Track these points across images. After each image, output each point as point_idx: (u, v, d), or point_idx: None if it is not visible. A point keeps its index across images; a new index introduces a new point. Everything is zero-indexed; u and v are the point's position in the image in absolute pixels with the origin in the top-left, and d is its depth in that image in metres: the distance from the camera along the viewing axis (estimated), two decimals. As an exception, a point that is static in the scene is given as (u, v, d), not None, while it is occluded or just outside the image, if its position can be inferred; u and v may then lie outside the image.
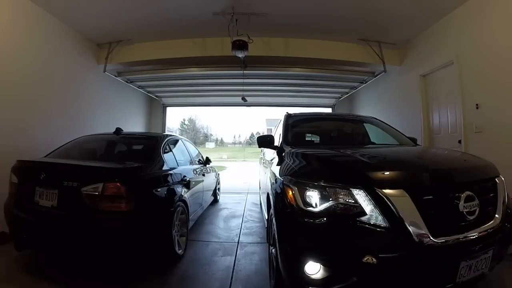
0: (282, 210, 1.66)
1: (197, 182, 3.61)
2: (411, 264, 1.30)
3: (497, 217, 1.53)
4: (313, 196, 1.49)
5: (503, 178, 1.78)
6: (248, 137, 57.83)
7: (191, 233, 3.23)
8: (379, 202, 1.36)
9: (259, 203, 4.86)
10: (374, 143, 2.88)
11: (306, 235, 1.46)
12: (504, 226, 1.54)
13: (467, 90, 3.52)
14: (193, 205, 3.23)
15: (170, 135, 3.55)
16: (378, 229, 1.34)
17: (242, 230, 3.66)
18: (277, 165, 2.17)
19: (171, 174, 2.72)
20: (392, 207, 1.34)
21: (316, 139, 3.28)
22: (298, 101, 8.45)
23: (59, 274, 2.24)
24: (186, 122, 52.46)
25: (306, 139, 3.11)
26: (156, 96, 7.82)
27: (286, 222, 1.62)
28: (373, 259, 1.26)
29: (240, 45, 3.94)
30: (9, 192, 2.40)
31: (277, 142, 2.69)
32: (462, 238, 1.37)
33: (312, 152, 1.99)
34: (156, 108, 8.34)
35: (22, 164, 2.38)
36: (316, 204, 1.47)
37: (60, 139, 3.16)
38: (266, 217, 2.52)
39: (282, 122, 3.01)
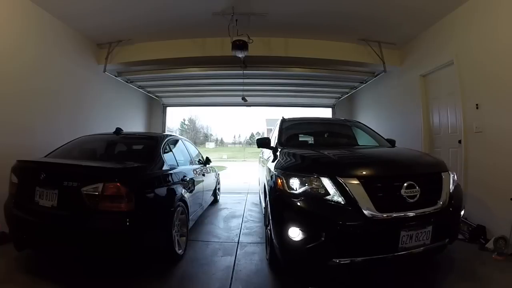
0: (274, 193, 2.21)
1: (197, 182, 3.61)
2: (362, 230, 1.80)
3: (440, 203, 1.99)
4: (294, 182, 2.01)
5: (451, 174, 2.23)
6: (248, 137, 57.86)
7: (191, 233, 3.24)
8: (339, 186, 1.89)
9: (259, 203, 4.87)
10: (356, 145, 3.40)
11: (290, 209, 1.99)
12: (446, 210, 2.00)
13: (467, 90, 3.51)
14: (193, 205, 3.23)
15: (170, 135, 3.55)
16: (338, 205, 1.86)
17: (242, 230, 3.66)
18: (272, 162, 2.64)
19: (171, 174, 2.72)
20: (348, 190, 1.86)
21: (308, 139, 3.83)
22: (298, 101, 8.44)
23: (59, 274, 2.24)
24: (186, 122, 52.51)
25: (297, 140, 3.58)
26: (156, 96, 7.81)
27: (276, 201, 2.17)
28: (335, 225, 1.80)
29: (240, 45, 3.94)
30: (9, 192, 2.40)
31: (273, 143, 3.21)
32: (402, 215, 1.85)
33: (298, 152, 2.47)
34: (156, 108, 8.34)
35: (22, 164, 2.37)
36: (296, 188, 2.00)
37: (60, 139, 3.16)
38: (264, 205, 3.08)
39: (278, 126, 3.52)
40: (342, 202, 1.86)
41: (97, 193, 1.98)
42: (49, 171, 2.21)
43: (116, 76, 5.67)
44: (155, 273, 2.33)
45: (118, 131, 3.13)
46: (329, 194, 1.90)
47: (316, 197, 1.92)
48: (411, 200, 1.89)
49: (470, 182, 3.47)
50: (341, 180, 1.89)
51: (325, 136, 3.75)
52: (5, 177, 2.42)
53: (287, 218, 1.98)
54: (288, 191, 2.02)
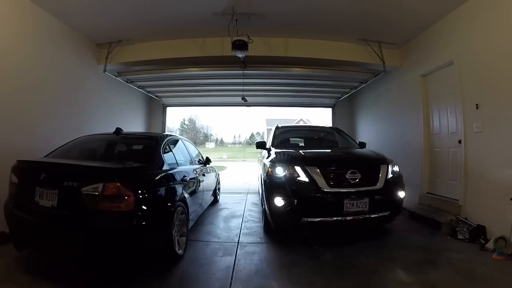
0: (266, 178, 3.34)
1: (197, 182, 3.61)
2: (319, 199, 2.88)
3: (378, 184, 3.04)
4: (279, 170, 3.12)
5: (391, 166, 3.25)
6: (248, 137, 57.75)
7: (191, 233, 3.23)
8: (306, 171, 2.99)
9: (259, 203, 4.91)
10: (333, 146, 4.46)
11: (275, 186, 3.07)
12: (382, 190, 3.03)
13: (467, 90, 3.51)
14: (193, 205, 3.23)
15: (170, 135, 3.55)
16: (305, 183, 2.96)
17: (242, 230, 3.66)
18: (266, 158, 3.79)
19: (171, 174, 2.73)
20: (310, 174, 2.96)
21: (296, 142, 5.01)
22: (298, 101, 8.43)
23: (59, 274, 2.24)
24: (186, 122, 52.35)
25: (286, 142, 4.61)
26: (156, 96, 7.80)
27: (267, 183, 3.27)
28: (302, 195, 2.90)
29: (240, 45, 3.93)
30: (9, 192, 2.39)
31: (268, 145, 4.32)
32: (345, 190, 2.92)
33: (283, 151, 3.63)
34: (156, 108, 8.33)
35: (22, 164, 2.37)
36: (280, 173, 3.10)
37: (60, 139, 3.15)
38: (261, 192, 4.07)
39: (273, 132, 4.71)
40: (307, 181, 2.96)
41: (97, 193, 1.98)
42: (49, 171, 2.21)
43: (116, 76, 5.66)
44: (155, 273, 2.33)
45: (118, 131, 3.13)
46: (299, 176, 3.01)
47: (291, 178, 3.03)
48: (353, 181, 2.96)
49: (470, 182, 3.47)
50: (307, 168, 3.01)
51: (308, 139, 4.95)
52: (5, 177, 2.42)
53: (274, 192, 3.05)
54: (275, 175, 3.13)
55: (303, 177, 2.96)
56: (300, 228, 2.99)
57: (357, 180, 2.94)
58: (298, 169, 3.01)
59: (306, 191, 2.91)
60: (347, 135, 4.86)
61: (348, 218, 2.88)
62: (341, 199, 2.86)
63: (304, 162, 3.09)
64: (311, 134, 5.15)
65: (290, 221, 2.97)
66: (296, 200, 2.86)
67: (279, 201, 2.94)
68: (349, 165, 3.04)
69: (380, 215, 3.00)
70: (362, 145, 4.31)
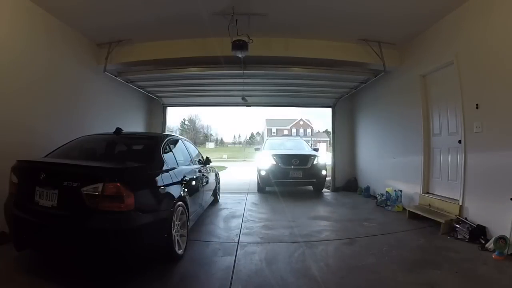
0: (258, 163, 6.83)
1: (197, 182, 3.61)
2: (279, 170, 6.29)
3: (307, 165, 6.43)
4: (264, 159, 6.63)
5: (317, 156, 6.65)
6: (248, 137, 57.74)
7: (191, 233, 3.23)
8: (275, 159, 6.42)
9: (258, 202, 5.01)
10: (300, 149, 7.64)
11: (262, 166, 6.52)
12: (310, 168, 6.42)
13: (467, 90, 3.51)
14: (193, 205, 3.23)
15: (170, 135, 3.55)
16: (275, 164, 6.37)
17: (242, 230, 3.66)
18: (260, 155, 7.14)
19: (171, 174, 2.72)
20: (277, 160, 6.40)
21: (280, 146, 7.93)
22: (298, 101, 8.41)
23: (59, 274, 2.24)
24: (186, 122, 52.38)
25: (274, 147, 7.73)
26: (156, 96, 7.79)
27: (258, 165, 6.74)
28: (272, 169, 6.37)
29: (240, 45, 3.93)
30: (9, 192, 2.39)
31: (261, 149, 7.70)
32: (291, 167, 6.36)
33: (268, 151, 7.00)
34: (156, 108, 8.30)
35: (22, 164, 2.37)
36: (264, 160, 6.55)
37: (60, 139, 3.16)
38: (256, 172, 6.92)
39: (267, 141, 8.72)
40: (275, 163, 6.30)
41: (97, 193, 1.98)
42: (49, 171, 2.20)
43: (116, 76, 5.65)
44: (155, 273, 2.33)
45: (118, 131, 3.13)
46: (273, 162, 6.33)
47: (269, 162, 6.36)
48: (295, 163, 6.31)
49: (470, 182, 3.47)
50: (276, 158, 6.38)
51: (284, 145, 8.13)
52: (5, 177, 2.42)
53: (261, 169, 6.44)
54: (262, 161, 6.52)
55: (273, 162, 6.26)
56: (271, 185, 6.27)
57: (297, 163, 6.25)
58: (272, 158, 6.31)
59: (274, 167, 6.21)
60: (308, 144, 8.66)
61: (291, 180, 6.19)
62: (288, 171, 6.15)
63: (275, 155, 6.37)
64: (287, 142, 8.86)
65: (267, 181, 6.29)
66: (270, 172, 6.17)
67: (263, 172, 6.28)
68: (294, 157, 6.39)
69: (308, 180, 6.38)
70: (316, 150, 7.63)
